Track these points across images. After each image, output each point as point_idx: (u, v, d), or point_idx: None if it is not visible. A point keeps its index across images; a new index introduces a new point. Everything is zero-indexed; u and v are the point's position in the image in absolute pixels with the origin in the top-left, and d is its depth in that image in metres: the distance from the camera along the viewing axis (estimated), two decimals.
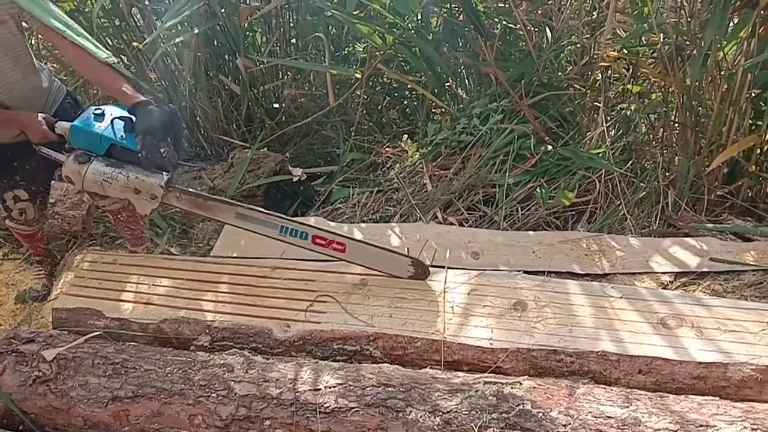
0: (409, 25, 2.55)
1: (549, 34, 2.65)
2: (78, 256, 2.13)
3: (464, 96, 2.89)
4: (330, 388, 1.32)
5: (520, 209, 2.26)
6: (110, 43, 3.04)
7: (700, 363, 1.31)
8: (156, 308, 1.66)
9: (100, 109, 1.58)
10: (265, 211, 1.66)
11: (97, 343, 1.55)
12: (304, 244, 1.64)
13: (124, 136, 1.54)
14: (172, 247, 2.27)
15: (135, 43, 2.81)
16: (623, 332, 1.40)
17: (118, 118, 1.55)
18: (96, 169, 1.56)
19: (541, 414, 1.19)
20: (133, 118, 1.54)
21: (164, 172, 1.57)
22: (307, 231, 1.63)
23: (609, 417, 1.17)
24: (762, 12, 1.97)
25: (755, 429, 1.11)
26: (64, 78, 3.25)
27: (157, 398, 1.38)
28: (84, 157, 1.57)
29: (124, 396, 1.40)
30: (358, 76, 2.57)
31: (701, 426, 1.13)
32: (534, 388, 1.25)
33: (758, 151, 2.22)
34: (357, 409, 1.27)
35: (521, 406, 1.20)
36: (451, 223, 2.23)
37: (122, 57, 3.08)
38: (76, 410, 1.42)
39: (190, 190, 1.65)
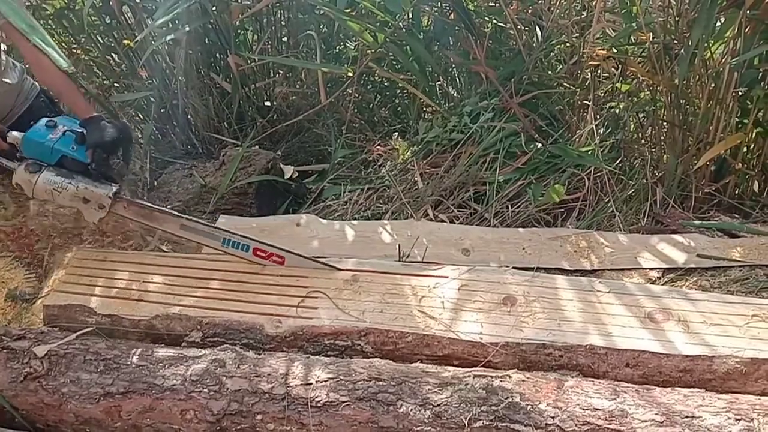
0: (400, 23, 2.57)
1: (539, 33, 2.67)
2: (69, 254, 2.12)
3: (455, 94, 2.91)
4: (321, 382, 1.33)
5: (510, 206, 2.27)
6: (101, 40, 3.03)
7: (686, 356, 1.33)
8: (147, 305, 1.66)
9: (53, 120, 1.64)
10: (208, 223, 1.77)
11: (89, 339, 1.56)
12: (245, 256, 1.74)
13: (75, 148, 1.61)
14: (164, 245, 2.26)
15: (126, 41, 2.80)
16: (611, 326, 1.41)
17: (70, 130, 1.62)
18: (46, 179, 1.62)
19: (529, 406, 1.20)
20: (84, 132, 1.61)
21: (113, 184, 1.64)
22: (248, 243, 1.73)
23: (597, 409, 1.19)
24: (748, 11, 2.00)
25: (739, 419, 1.13)
26: None
27: (148, 394, 1.39)
28: (35, 166, 1.62)
29: (116, 392, 1.41)
30: (350, 74, 2.57)
31: (687, 417, 1.15)
32: (523, 381, 1.27)
33: (745, 148, 2.25)
34: (348, 403, 1.29)
35: (510, 399, 1.22)
36: (442, 221, 2.24)
37: (113, 55, 3.08)
38: (67, 406, 1.43)
39: (138, 201, 1.73)
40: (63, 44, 3.17)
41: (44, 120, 1.64)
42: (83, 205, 1.64)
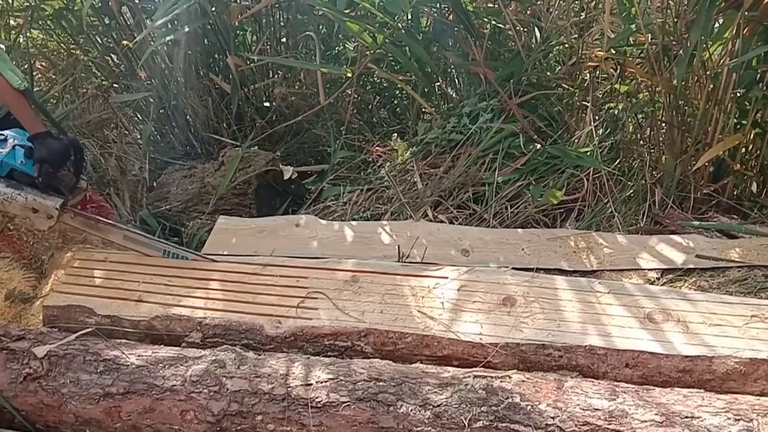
0: (399, 24, 2.57)
1: (538, 34, 2.67)
2: (68, 254, 2.12)
3: (454, 95, 2.91)
4: (321, 383, 1.33)
5: (509, 207, 2.27)
6: (100, 41, 3.03)
7: (686, 356, 1.33)
8: (147, 305, 1.67)
9: (3, 134, 1.72)
10: (149, 236, 1.89)
11: (88, 340, 1.56)
12: None
13: (23, 162, 1.69)
14: None
15: (125, 42, 2.80)
16: (610, 327, 1.42)
17: (20, 145, 1.70)
18: None
19: (529, 407, 1.20)
20: (32, 147, 1.68)
21: (60, 195, 1.72)
22: (187, 255, 1.84)
23: (596, 409, 1.19)
24: (746, 13, 2.00)
25: (738, 419, 1.13)
26: (53, 76, 3.25)
27: (148, 394, 1.39)
28: None
29: (116, 392, 1.41)
30: (349, 74, 2.57)
31: (686, 417, 1.15)
32: (523, 381, 1.27)
33: (743, 149, 2.26)
34: (348, 403, 1.29)
35: (510, 400, 1.22)
36: (441, 221, 2.24)
37: (112, 56, 3.08)
38: (67, 407, 1.43)
39: (84, 212, 1.82)
40: (62, 45, 3.18)
41: None
42: (32, 214, 1.72)
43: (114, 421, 1.41)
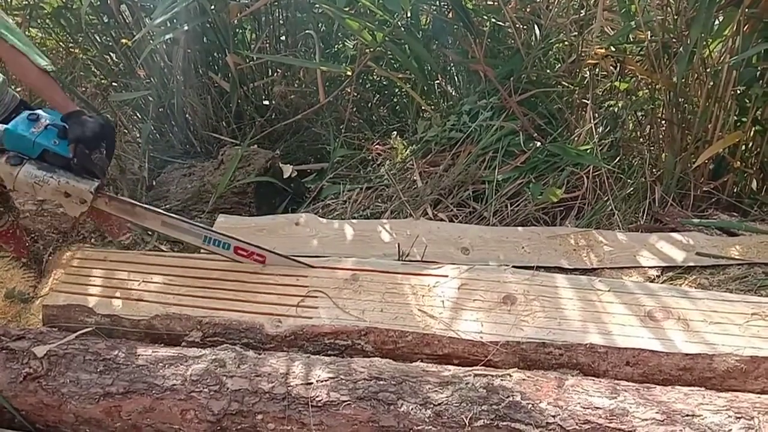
0: (399, 22, 2.56)
1: (537, 31, 2.67)
2: (68, 253, 2.12)
3: (454, 93, 2.90)
4: (322, 382, 1.33)
5: (509, 205, 2.27)
6: (99, 40, 3.02)
7: (686, 354, 1.33)
8: (147, 304, 1.66)
9: (35, 113, 1.63)
10: (189, 221, 1.77)
11: (88, 339, 1.56)
12: (226, 254, 1.75)
13: (57, 143, 1.60)
14: (163, 244, 2.26)
15: (124, 40, 2.80)
16: (611, 325, 1.42)
17: (53, 125, 1.61)
18: (28, 172, 1.60)
19: (530, 405, 1.20)
20: (66, 127, 1.60)
21: (94, 179, 1.63)
22: (230, 242, 1.74)
23: (597, 408, 1.19)
24: (747, 10, 2.00)
25: (739, 417, 1.13)
26: (52, 75, 3.24)
27: (149, 394, 1.39)
28: (16, 159, 1.61)
29: (116, 392, 1.41)
30: (348, 73, 2.57)
31: (687, 415, 1.15)
32: (523, 380, 1.27)
33: (743, 147, 2.25)
34: (349, 402, 1.29)
35: (511, 398, 1.22)
36: (441, 219, 2.24)
37: (111, 54, 3.07)
38: (67, 407, 1.43)
39: (119, 197, 1.73)
40: (60, 43, 3.17)
41: (26, 113, 1.63)
42: (64, 199, 1.64)
43: (114, 420, 1.41)
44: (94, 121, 1.62)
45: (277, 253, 1.76)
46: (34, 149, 1.61)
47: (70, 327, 1.64)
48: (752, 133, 2.23)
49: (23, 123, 1.61)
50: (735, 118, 2.19)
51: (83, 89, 3.10)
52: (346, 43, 3.10)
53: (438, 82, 2.93)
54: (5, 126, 1.61)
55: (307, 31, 2.83)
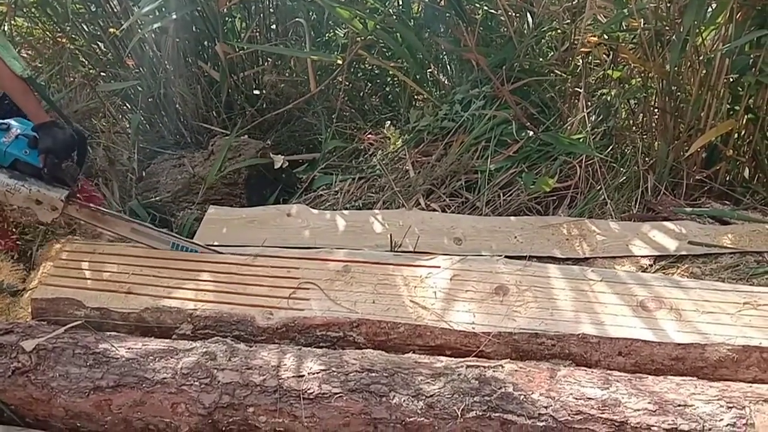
0: (390, 10, 2.54)
1: (530, 19, 2.65)
2: (57, 246, 2.10)
3: (446, 82, 2.88)
4: (313, 374, 1.32)
5: (501, 195, 2.26)
6: (86, 29, 2.98)
7: (679, 344, 1.33)
8: (137, 297, 1.65)
9: (6, 123, 1.66)
10: (157, 228, 1.85)
11: (78, 333, 1.54)
12: None
13: (27, 152, 1.64)
14: None
15: (112, 29, 2.76)
16: (603, 315, 1.41)
17: (23, 134, 1.64)
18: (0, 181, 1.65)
19: (522, 396, 1.20)
20: (37, 136, 1.62)
21: (65, 187, 1.68)
22: (196, 248, 1.80)
23: (590, 398, 1.19)
24: None
25: (731, 407, 1.13)
26: (39, 65, 3.20)
27: (139, 387, 1.38)
28: None
29: (106, 386, 1.40)
30: (339, 62, 2.55)
31: (679, 405, 1.15)
32: (516, 371, 1.26)
33: (736, 135, 2.25)
34: (341, 394, 1.28)
35: (503, 389, 1.22)
36: (434, 210, 2.23)
37: (99, 44, 3.03)
38: (57, 401, 1.42)
39: (90, 204, 1.77)
40: (47, 33, 3.13)
41: None
42: (36, 206, 1.68)
43: (104, 414, 1.40)
44: (64, 132, 1.65)
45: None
46: (5, 158, 1.65)
47: (59, 320, 1.62)
48: (745, 121, 2.22)
49: None
50: (728, 106, 2.18)
51: (71, 79, 3.06)
52: (336, 32, 3.07)
53: (430, 71, 2.90)
54: None
55: (297, 20, 2.80)
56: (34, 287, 1.93)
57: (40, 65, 3.20)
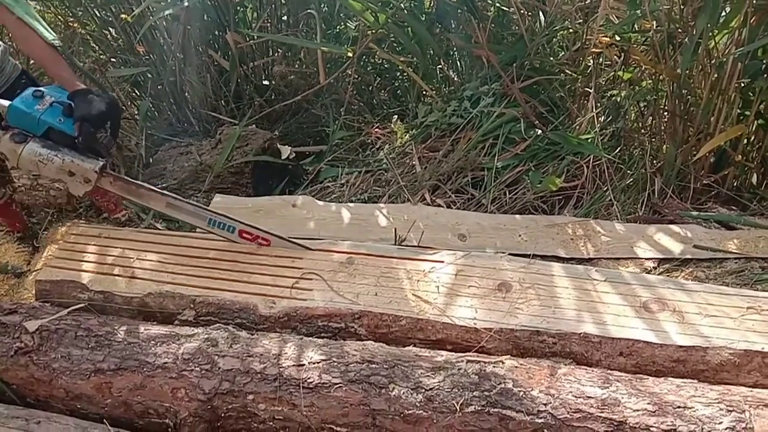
0: (402, 4, 2.53)
1: (542, 18, 2.64)
2: (62, 229, 2.11)
3: (455, 78, 2.88)
4: (314, 363, 1.32)
5: (507, 193, 2.26)
6: (97, 14, 2.99)
7: (680, 347, 1.32)
8: (141, 282, 1.65)
9: (40, 90, 1.60)
10: (194, 203, 1.75)
11: (81, 315, 1.55)
12: (231, 237, 1.73)
13: (62, 120, 1.57)
14: (158, 222, 2.25)
15: (123, 15, 2.76)
16: (606, 315, 1.41)
17: (58, 102, 1.58)
18: (32, 150, 1.58)
19: (522, 393, 1.20)
20: (72, 104, 1.57)
21: (99, 158, 1.61)
22: (234, 225, 1.72)
23: (589, 397, 1.19)
24: (755, 1, 1.97)
25: (731, 410, 1.13)
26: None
27: (140, 371, 1.38)
28: (21, 136, 1.58)
29: (107, 368, 1.40)
30: (350, 54, 2.54)
31: (679, 407, 1.15)
32: (516, 367, 1.26)
33: (745, 141, 2.24)
34: (340, 384, 1.28)
35: (503, 385, 1.21)
36: (439, 205, 2.23)
37: (110, 29, 3.04)
38: (58, 382, 1.42)
39: (124, 177, 1.70)
40: (59, 17, 3.13)
41: (31, 89, 1.60)
42: (68, 177, 1.62)
43: (105, 397, 1.40)
44: (100, 100, 1.59)
45: (281, 237, 1.73)
46: (38, 127, 1.58)
47: (63, 303, 1.63)
48: (755, 126, 2.21)
49: (28, 100, 1.59)
50: (738, 111, 2.17)
51: (81, 64, 3.07)
52: (348, 24, 3.07)
53: (440, 66, 2.90)
54: (10, 102, 1.59)
55: (308, 11, 2.80)
56: (38, 269, 1.94)
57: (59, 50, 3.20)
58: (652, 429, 1.12)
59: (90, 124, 1.56)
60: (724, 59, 2.11)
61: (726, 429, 1.10)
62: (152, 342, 1.43)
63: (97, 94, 1.61)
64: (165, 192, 1.73)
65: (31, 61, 2.43)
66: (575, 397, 1.19)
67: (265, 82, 2.90)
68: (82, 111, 1.56)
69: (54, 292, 1.68)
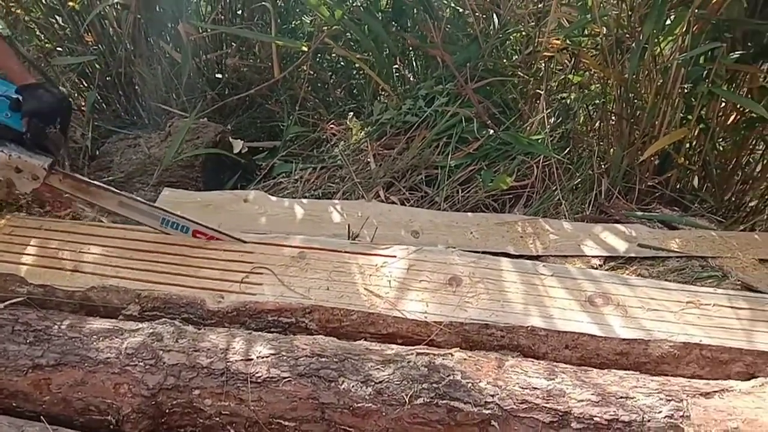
0: (358, 1, 2.53)
1: (496, 20, 2.68)
2: (1, 221, 2.02)
3: (411, 77, 2.89)
4: (262, 358, 1.31)
5: (460, 191, 2.28)
6: (44, 0, 2.88)
7: (623, 339, 1.36)
8: (83, 275, 1.60)
9: None
10: (148, 202, 1.71)
11: (18, 309, 1.49)
12: (185, 237, 1.71)
13: (9, 115, 1.53)
14: (103, 216, 2.18)
15: (71, 3, 2.67)
16: (552, 309, 1.44)
17: (4, 96, 1.53)
18: None
19: (470, 384, 1.21)
20: (20, 99, 1.52)
21: (48, 155, 1.57)
22: (188, 225, 1.70)
23: (535, 388, 1.21)
24: (696, 10, 2.05)
25: (670, 399, 1.16)
26: None
27: (81, 367, 1.34)
28: None
29: (46, 364, 1.35)
30: (305, 49, 2.52)
31: (621, 397, 1.18)
32: (464, 359, 1.27)
33: (687, 144, 2.32)
34: (289, 378, 1.27)
35: (451, 377, 1.22)
36: (393, 202, 2.23)
37: (57, 17, 2.93)
38: None
39: (75, 174, 1.65)
40: (1, 2, 3.00)
41: None
42: (15, 174, 1.56)
43: (43, 394, 1.35)
44: (51, 95, 1.55)
45: (238, 239, 1.71)
46: None
47: (0, 297, 1.56)
48: (697, 131, 2.30)
49: None
50: (681, 115, 2.25)
51: (26, 50, 2.95)
52: (303, 19, 3.05)
53: (396, 65, 2.91)
54: None
55: (263, 4, 2.76)
56: None
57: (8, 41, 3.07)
58: (595, 418, 1.15)
59: (39, 119, 1.52)
60: (669, 65, 2.18)
61: (665, 417, 1.14)
62: (94, 337, 1.38)
63: (47, 89, 1.56)
64: (117, 191, 1.69)
65: None
66: (522, 388, 1.21)
67: (218, 76, 2.85)
68: (32, 106, 1.51)
69: None
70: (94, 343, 1.37)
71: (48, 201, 2.06)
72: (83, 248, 1.68)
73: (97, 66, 2.82)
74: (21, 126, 1.53)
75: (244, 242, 1.71)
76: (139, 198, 1.72)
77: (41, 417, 1.33)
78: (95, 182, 1.68)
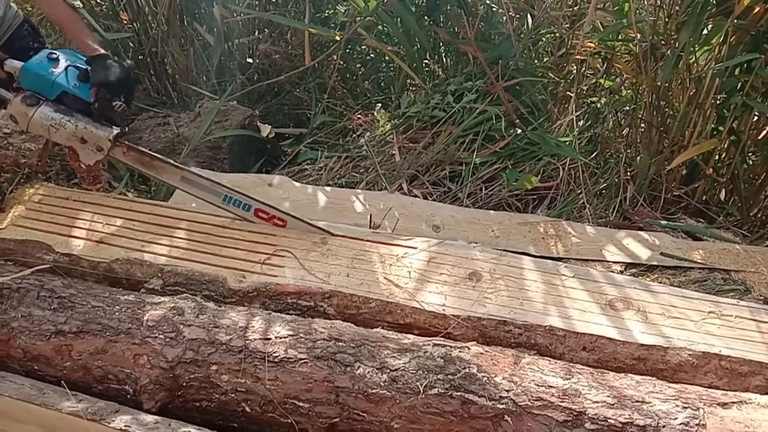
0: None
1: (530, 20, 2.67)
2: (30, 190, 2.05)
3: (440, 72, 2.89)
4: (281, 338, 1.32)
5: (483, 188, 2.28)
6: None
7: (642, 345, 1.35)
8: (108, 247, 1.62)
9: (55, 53, 1.56)
10: (211, 179, 1.68)
11: (45, 276, 1.51)
12: (246, 216, 1.68)
13: (77, 85, 1.54)
14: (130, 192, 2.21)
15: None
16: (572, 310, 1.43)
17: (74, 66, 1.54)
18: (44, 113, 1.54)
19: (485, 378, 1.21)
20: (89, 69, 1.53)
21: (114, 126, 1.57)
22: (251, 203, 1.66)
23: (551, 386, 1.20)
24: (735, 20, 2.02)
25: (686, 407, 1.16)
26: (30, 9, 3.12)
27: (102, 335, 1.36)
28: (33, 99, 1.54)
29: (68, 331, 1.38)
30: (337, 38, 2.53)
31: (637, 401, 1.18)
32: (481, 353, 1.27)
33: (717, 156, 2.30)
34: (306, 360, 1.28)
35: (467, 370, 1.22)
36: (416, 196, 2.23)
37: None
38: (16, 342, 1.39)
39: (139, 147, 1.65)
40: None
41: (46, 51, 1.56)
42: (80, 144, 1.58)
43: (64, 359, 1.37)
44: (119, 67, 1.56)
45: (299, 218, 1.68)
46: (52, 90, 1.54)
47: (27, 263, 1.59)
48: (727, 143, 2.27)
49: (42, 62, 1.54)
50: (712, 126, 2.22)
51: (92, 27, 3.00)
52: (337, 9, 3.06)
53: (426, 59, 2.91)
54: (22, 63, 1.54)
55: None
56: (2, 228, 1.88)
57: (30, 9, 3.12)
58: (610, 420, 1.15)
59: (107, 90, 1.53)
60: (703, 74, 2.16)
61: (680, 424, 1.13)
62: (117, 307, 1.41)
63: (115, 61, 1.57)
64: (181, 165, 1.67)
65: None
66: (537, 385, 1.21)
67: (249, 60, 2.87)
68: (100, 77, 1.52)
69: (18, 251, 1.64)
70: (117, 314, 1.39)
71: (83, 176, 2.09)
72: (110, 221, 1.70)
73: (131, 44, 2.86)
74: (89, 96, 1.54)
75: (308, 223, 1.66)
76: (202, 173, 1.70)
77: (61, 382, 1.36)
78: (159, 156, 1.67)
